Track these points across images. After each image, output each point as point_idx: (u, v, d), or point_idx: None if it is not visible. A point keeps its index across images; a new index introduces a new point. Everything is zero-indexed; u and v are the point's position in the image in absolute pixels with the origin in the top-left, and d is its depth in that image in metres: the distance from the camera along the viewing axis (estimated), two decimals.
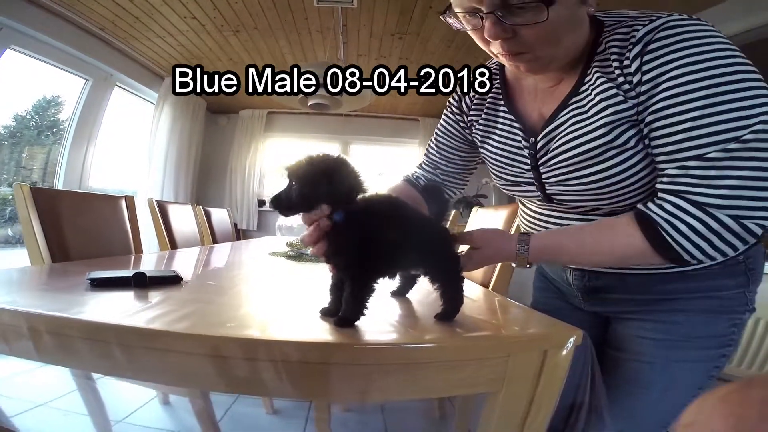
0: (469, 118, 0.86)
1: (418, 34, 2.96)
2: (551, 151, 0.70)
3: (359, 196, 0.59)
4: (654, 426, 0.74)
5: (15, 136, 2.98)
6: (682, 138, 0.55)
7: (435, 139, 0.95)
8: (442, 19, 0.65)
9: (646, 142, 0.60)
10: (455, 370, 0.55)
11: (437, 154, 0.95)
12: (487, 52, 0.68)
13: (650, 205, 0.59)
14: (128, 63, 3.50)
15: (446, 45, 3.10)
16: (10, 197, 2.72)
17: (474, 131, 0.85)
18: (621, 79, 0.60)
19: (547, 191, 0.75)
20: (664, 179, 0.58)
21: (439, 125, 0.95)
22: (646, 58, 0.57)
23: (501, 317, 0.75)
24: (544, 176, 0.73)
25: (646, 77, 0.57)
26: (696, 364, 0.70)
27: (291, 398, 1.72)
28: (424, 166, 0.99)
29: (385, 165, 5.15)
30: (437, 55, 3.28)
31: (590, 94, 0.65)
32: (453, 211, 2.36)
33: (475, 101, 0.84)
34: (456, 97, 0.89)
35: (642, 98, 0.59)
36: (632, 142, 0.62)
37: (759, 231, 0.54)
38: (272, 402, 1.79)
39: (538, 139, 0.72)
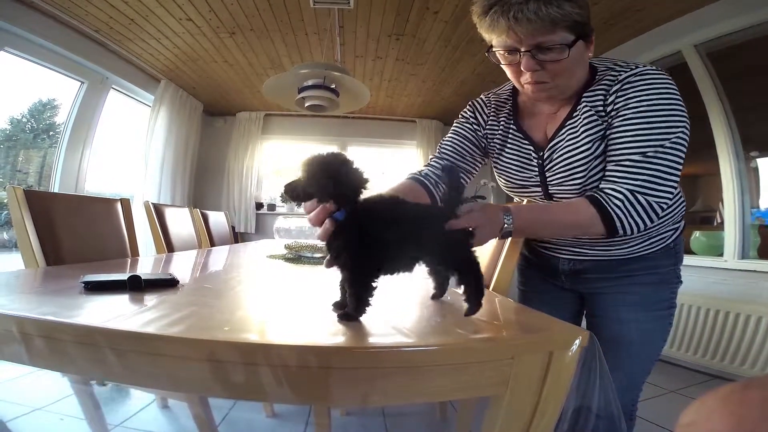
0: (484, 131, 1.05)
1: (414, 35, 2.96)
2: (553, 161, 0.92)
3: (362, 196, 0.61)
4: (639, 372, 0.97)
5: (11, 139, 2.96)
6: (623, 143, 0.80)
7: (449, 140, 1.08)
8: (487, 55, 0.86)
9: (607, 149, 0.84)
10: (458, 373, 0.54)
11: (451, 151, 1.06)
12: (515, 82, 0.89)
13: (597, 191, 0.82)
14: (124, 65, 3.49)
15: (443, 45, 3.09)
16: (6, 201, 2.70)
17: (491, 143, 1.04)
18: (601, 108, 0.84)
19: (549, 191, 0.95)
20: (607, 172, 0.83)
21: (452, 130, 1.09)
22: (618, 94, 0.81)
23: (504, 318, 0.74)
24: (548, 180, 0.94)
25: (615, 107, 0.82)
26: (657, 321, 0.96)
27: (289, 403, 1.71)
28: (433, 162, 1.07)
29: (383, 166, 5.16)
30: (434, 55, 3.28)
31: (580, 118, 0.87)
32: None
33: (490, 117, 1.03)
34: (470, 110, 1.07)
35: (610, 121, 0.83)
36: None
37: (659, 210, 0.78)
38: (272, 405, 1.77)
39: (545, 151, 0.93)
